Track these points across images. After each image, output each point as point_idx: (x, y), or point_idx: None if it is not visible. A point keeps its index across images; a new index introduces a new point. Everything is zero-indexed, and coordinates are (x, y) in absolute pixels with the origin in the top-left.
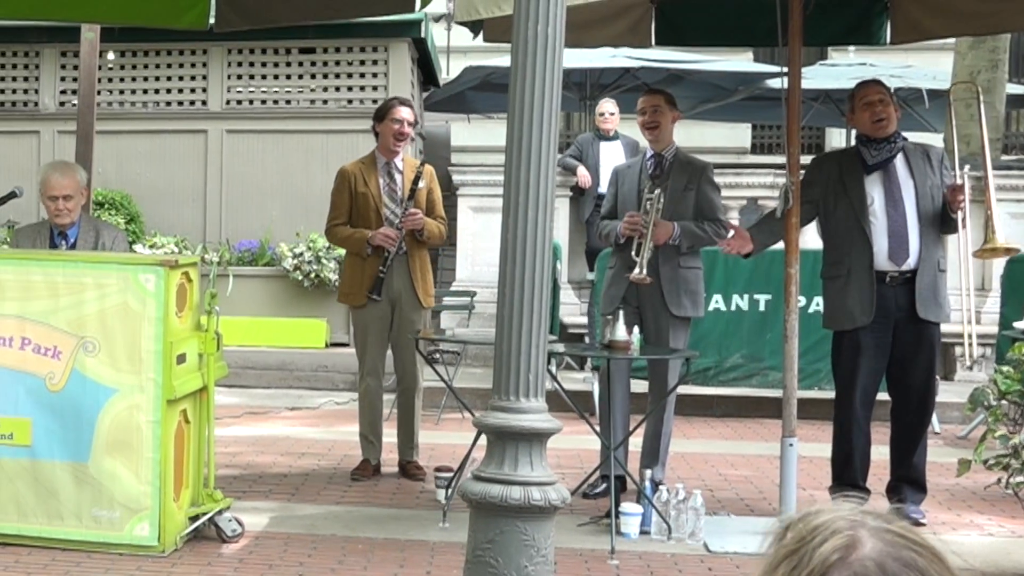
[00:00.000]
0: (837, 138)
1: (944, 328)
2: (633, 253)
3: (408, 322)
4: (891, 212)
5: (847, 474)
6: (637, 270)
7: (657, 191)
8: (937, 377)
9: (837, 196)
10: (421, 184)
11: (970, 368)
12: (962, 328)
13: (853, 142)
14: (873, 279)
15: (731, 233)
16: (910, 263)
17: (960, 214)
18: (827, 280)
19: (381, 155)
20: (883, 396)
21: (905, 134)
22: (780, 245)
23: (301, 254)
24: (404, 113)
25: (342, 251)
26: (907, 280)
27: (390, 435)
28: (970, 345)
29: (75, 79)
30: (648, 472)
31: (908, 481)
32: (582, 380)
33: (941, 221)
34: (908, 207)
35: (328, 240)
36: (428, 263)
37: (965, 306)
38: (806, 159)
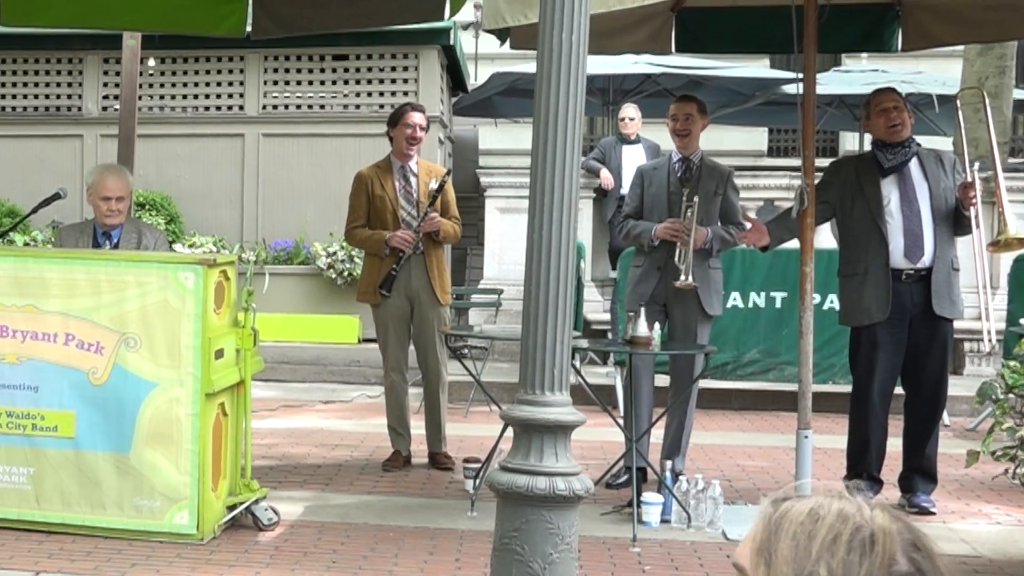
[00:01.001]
0: (851, 141)
1: (954, 324)
2: (676, 260)
3: (427, 319)
4: (906, 212)
5: (862, 465)
6: (684, 277)
7: (696, 199)
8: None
9: (854, 198)
10: (433, 186)
11: (989, 354)
12: (972, 324)
13: (868, 147)
14: (889, 277)
15: (748, 226)
16: (925, 261)
17: (973, 210)
18: (844, 278)
19: (396, 159)
20: (896, 390)
21: (916, 138)
22: (796, 244)
23: (335, 253)
24: (416, 118)
25: None
26: (922, 278)
27: (418, 427)
28: (989, 339)
29: (117, 85)
30: (669, 463)
31: (920, 472)
32: (605, 375)
33: (955, 221)
34: (923, 208)
35: (348, 242)
36: (444, 262)
37: (983, 303)
38: (821, 162)
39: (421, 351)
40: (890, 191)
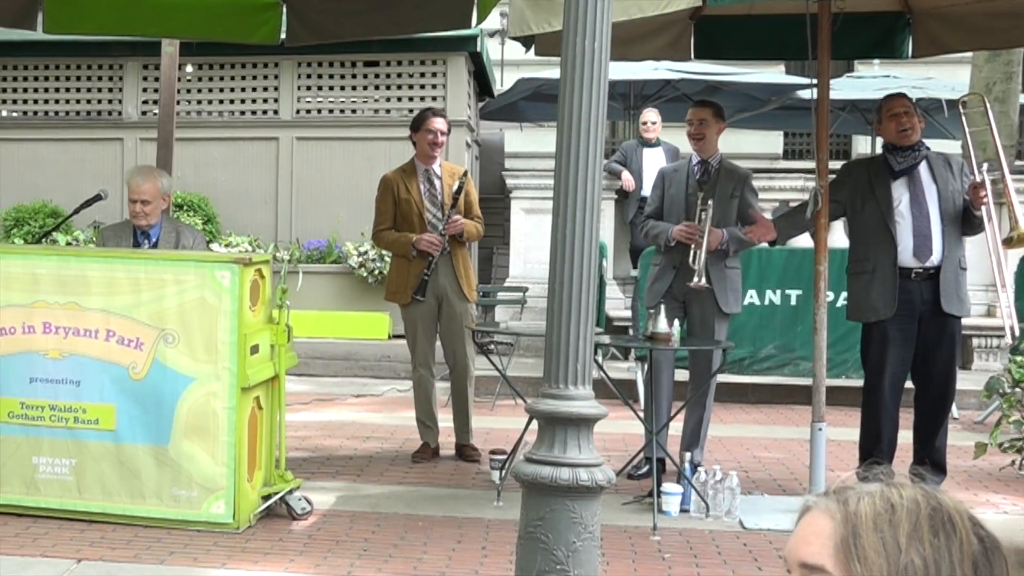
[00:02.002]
0: (863, 145)
1: (963, 320)
2: (691, 262)
3: (455, 316)
4: (916, 214)
5: (874, 457)
6: (696, 278)
7: (711, 201)
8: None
9: (865, 198)
10: (459, 190)
11: (998, 347)
12: (980, 321)
13: (879, 149)
14: (896, 275)
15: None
16: (934, 260)
17: (984, 210)
18: (852, 275)
19: (420, 162)
20: (907, 384)
21: (926, 140)
22: (810, 243)
23: (366, 252)
24: (438, 123)
25: None
26: (931, 276)
27: (445, 420)
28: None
29: (156, 90)
30: (688, 455)
31: (930, 463)
32: (626, 369)
33: (964, 221)
34: (932, 209)
35: (375, 244)
36: (470, 260)
37: (1001, 300)
38: (834, 164)
39: (449, 347)
40: (901, 193)
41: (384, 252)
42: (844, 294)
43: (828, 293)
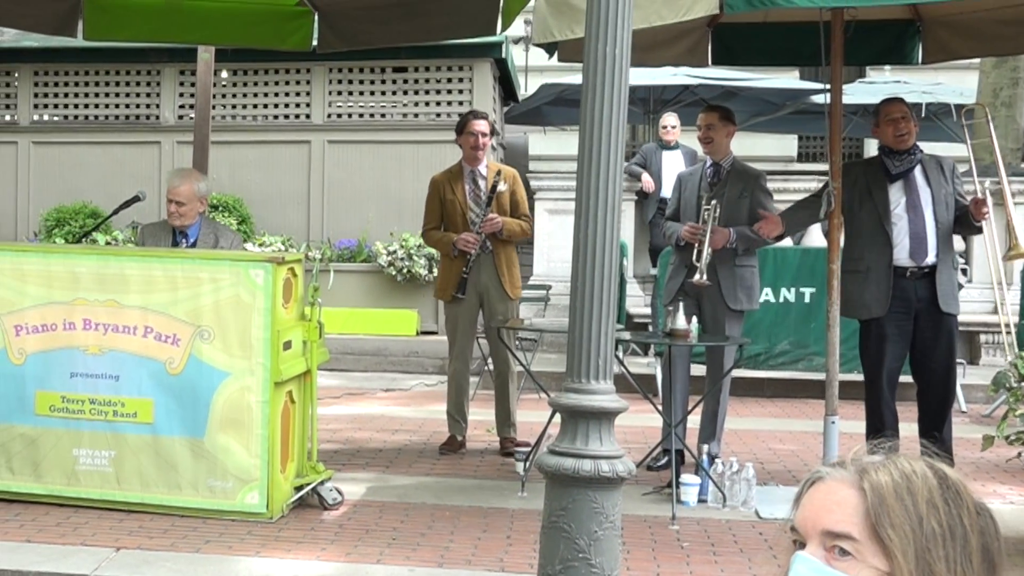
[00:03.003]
0: (874, 148)
1: (970, 318)
2: (694, 259)
3: (496, 313)
4: (912, 216)
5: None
6: (698, 275)
7: (714, 202)
8: (963, 361)
9: (862, 200)
10: (502, 188)
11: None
12: (987, 318)
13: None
14: (891, 276)
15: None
16: (929, 260)
17: (984, 223)
18: (847, 273)
19: (465, 164)
20: (907, 379)
21: (934, 144)
22: (823, 243)
23: (395, 252)
24: (480, 126)
25: (432, 250)
26: (925, 275)
27: (474, 414)
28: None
29: (192, 95)
30: (705, 447)
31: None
32: (646, 364)
33: (958, 223)
34: (927, 212)
35: (424, 242)
36: (514, 258)
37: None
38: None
39: (492, 344)
40: (898, 196)
41: (412, 251)
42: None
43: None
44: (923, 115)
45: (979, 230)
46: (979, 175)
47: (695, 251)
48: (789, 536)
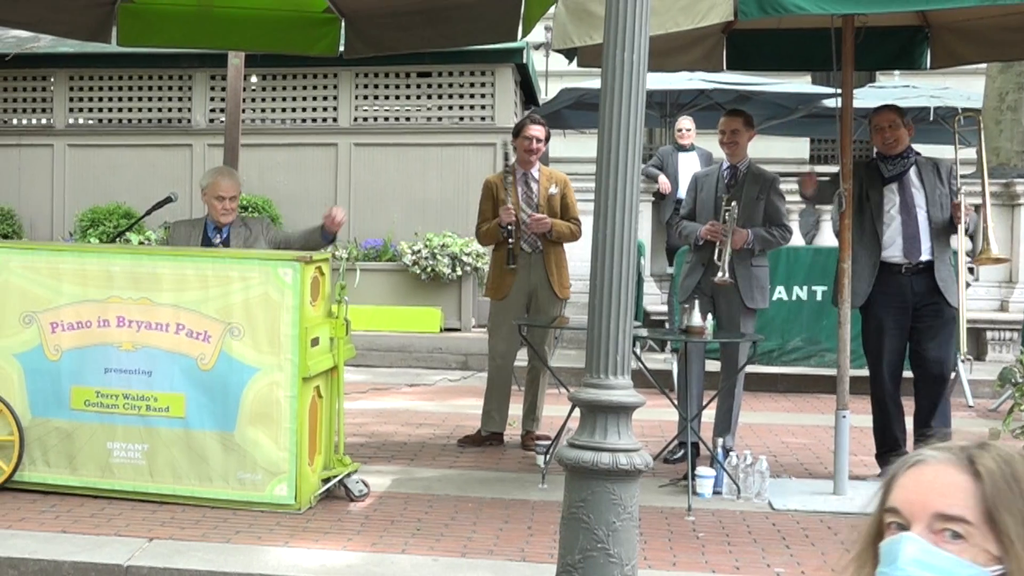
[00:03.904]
0: None
1: (977, 315)
2: (716, 259)
3: (543, 312)
4: (904, 217)
5: (887, 440)
6: (720, 274)
7: (734, 203)
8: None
9: (860, 201)
10: (552, 191)
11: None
12: (993, 315)
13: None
14: (874, 272)
15: (792, 228)
16: (923, 257)
17: (962, 226)
18: (839, 264)
19: (520, 166)
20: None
21: (942, 147)
22: (835, 243)
23: (419, 251)
24: (535, 131)
25: (455, 248)
26: (920, 270)
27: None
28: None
29: (223, 99)
30: (720, 440)
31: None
32: (663, 360)
33: (952, 225)
34: (919, 212)
35: (479, 241)
36: (564, 259)
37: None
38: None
39: (533, 340)
40: (891, 197)
41: (436, 251)
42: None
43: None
44: (931, 119)
45: (954, 230)
46: (990, 174)
47: (716, 251)
48: (886, 518)
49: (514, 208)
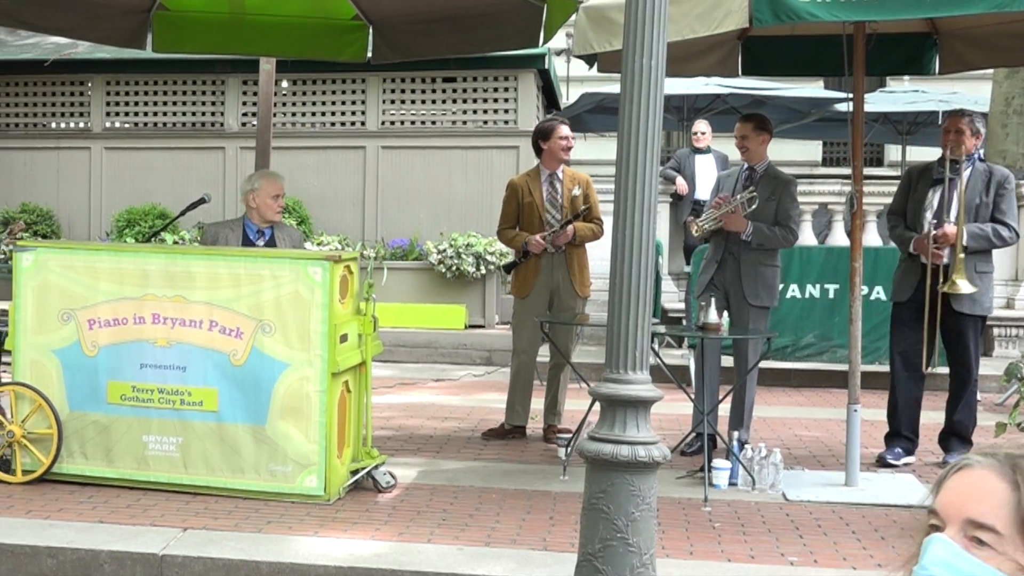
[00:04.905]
0: (894, 153)
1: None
2: (698, 219)
3: (566, 309)
4: (935, 223)
5: (895, 421)
6: (695, 229)
7: (754, 193)
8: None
9: (910, 199)
10: (576, 192)
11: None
12: (999, 312)
13: (910, 157)
14: (918, 268)
15: (797, 231)
16: (943, 261)
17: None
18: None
19: (545, 168)
20: (943, 369)
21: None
22: (847, 243)
23: (444, 250)
24: (566, 131)
25: (479, 248)
26: (944, 270)
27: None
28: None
29: (255, 103)
30: (735, 433)
31: (954, 434)
32: (680, 356)
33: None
34: (948, 220)
35: (499, 240)
36: (586, 259)
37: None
38: (869, 171)
39: (556, 337)
40: (932, 200)
41: (461, 250)
42: (877, 288)
43: (863, 287)
44: (940, 123)
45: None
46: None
47: (704, 215)
48: (929, 519)
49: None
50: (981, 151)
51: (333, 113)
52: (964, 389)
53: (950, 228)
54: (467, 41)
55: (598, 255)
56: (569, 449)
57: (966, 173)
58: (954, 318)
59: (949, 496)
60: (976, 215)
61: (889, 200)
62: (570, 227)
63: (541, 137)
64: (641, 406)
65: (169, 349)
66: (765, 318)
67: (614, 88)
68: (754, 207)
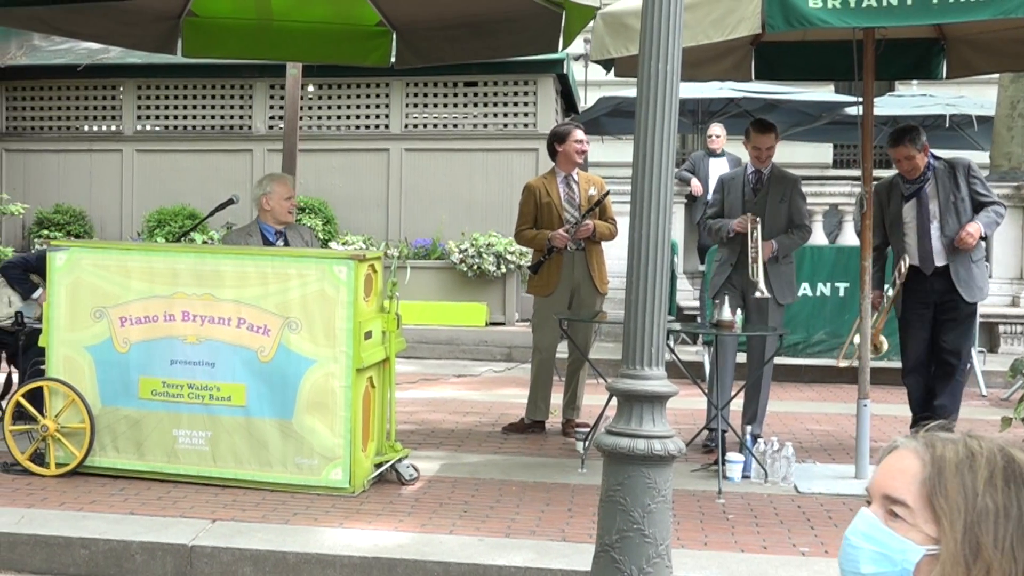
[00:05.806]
0: None
1: (990, 310)
2: (751, 276)
3: (586, 306)
4: (920, 233)
5: (910, 405)
6: (758, 293)
7: (758, 219)
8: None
9: (884, 216)
10: (592, 192)
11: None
12: (1004, 310)
13: None
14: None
15: (810, 227)
16: (938, 263)
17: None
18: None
19: (561, 169)
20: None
21: (956, 152)
22: (856, 242)
23: (466, 250)
24: (581, 134)
25: (499, 247)
26: (939, 272)
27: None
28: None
29: (281, 107)
30: (749, 427)
31: (932, 420)
32: (695, 352)
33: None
34: (933, 226)
35: (516, 242)
36: (603, 256)
37: None
38: (878, 172)
39: (575, 333)
40: (909, 214)
41: (482, 250)
42: (886, 287)
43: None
44: (947, 126)
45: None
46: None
47: (751, 268)
48: (865, 496)
49: (556, 209)
50: (930, 155)
51: (358, 116)
52: (952, 376)
53: (972, 227)
54: (488, 47)
55: (615, 254)
56: (587, 443)
57: (929, 185)
58: (960, 307)
59: (876, 474)
60: (956, 210)
61: None
62: (590, 222)
63: (557, 140)
64: (657, 401)
65: (198, 346)
66: (782, 314)
67: (631, 92)
68: (762, 226)
